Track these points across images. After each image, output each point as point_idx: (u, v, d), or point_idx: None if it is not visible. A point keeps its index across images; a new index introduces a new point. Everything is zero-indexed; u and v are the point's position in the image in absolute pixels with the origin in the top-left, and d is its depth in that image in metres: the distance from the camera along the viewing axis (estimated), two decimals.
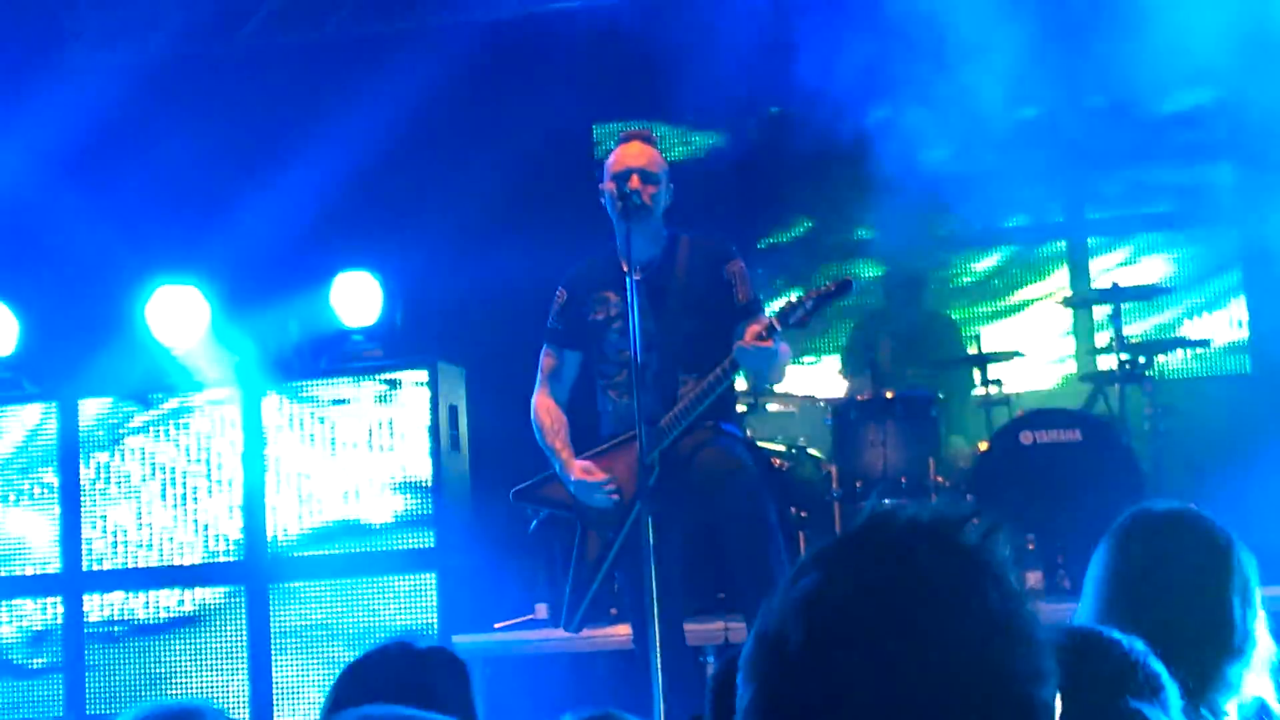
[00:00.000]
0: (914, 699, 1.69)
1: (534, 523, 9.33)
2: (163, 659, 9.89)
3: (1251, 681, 3.45)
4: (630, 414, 7.13)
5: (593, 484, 7.40)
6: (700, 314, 7.42)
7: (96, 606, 10.01)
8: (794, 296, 7.27)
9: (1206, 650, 3.35)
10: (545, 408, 7.64)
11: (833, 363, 11.49)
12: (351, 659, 3.83)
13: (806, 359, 11.39)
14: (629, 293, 7.09)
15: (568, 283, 7.73)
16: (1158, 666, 2.85)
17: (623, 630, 8.50)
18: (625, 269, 7.22)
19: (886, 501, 1.80)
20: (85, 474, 10.05)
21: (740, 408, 9.10)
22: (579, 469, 7.44)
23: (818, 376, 11.52)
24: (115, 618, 9.99)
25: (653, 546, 6.80)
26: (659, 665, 6.76)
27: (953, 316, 11.12)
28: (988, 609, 1.74)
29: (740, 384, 8.63)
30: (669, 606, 7.10)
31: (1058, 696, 1.76)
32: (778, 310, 7.26)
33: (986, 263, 11.74)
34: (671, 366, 7.36)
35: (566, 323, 7.68)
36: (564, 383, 7.73)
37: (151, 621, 9.97)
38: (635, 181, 7.31)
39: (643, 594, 6.85)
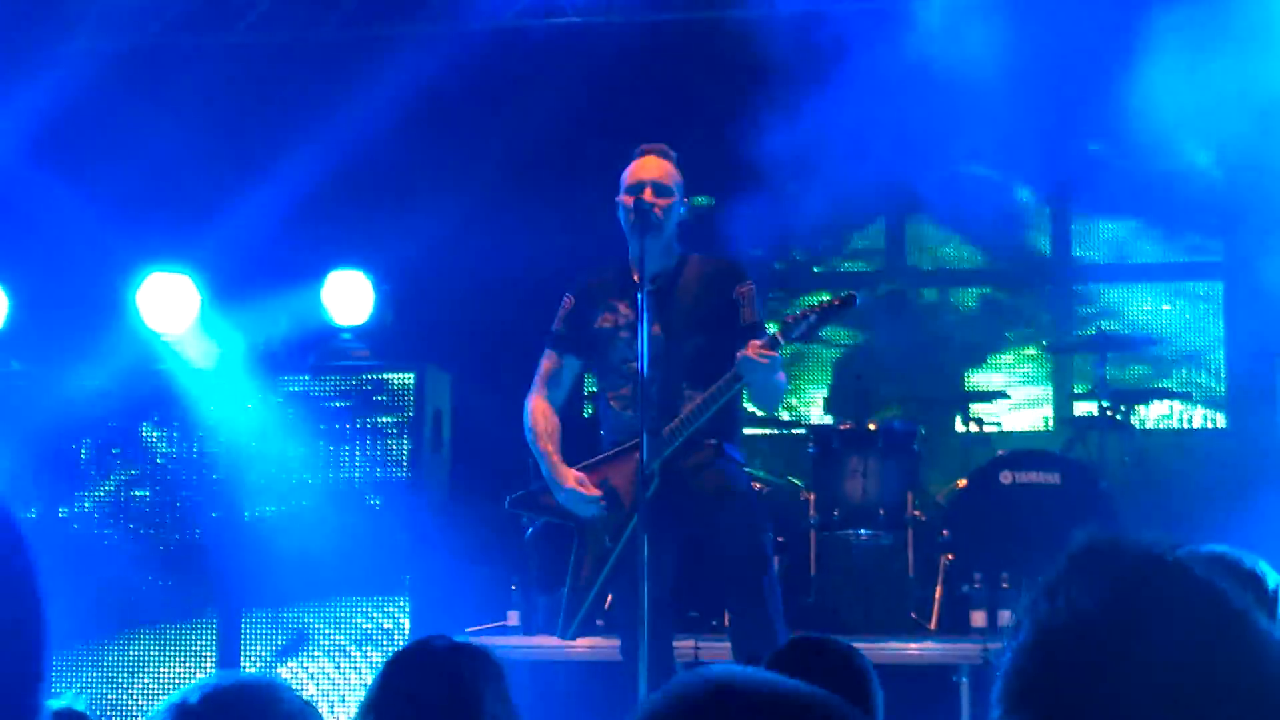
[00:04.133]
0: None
1: (529, 530, 9.37)
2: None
3: None
4: (632, 425, 7.13)
5: (584, 495, 7.36)
6: (706, 330, 7.40)
7: None
8: (798, 311, 7.29)
9: None
10: (540, 410, 7.60)
11: (818, 392, 11.56)
12: (392, 653, 3.88)
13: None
14: (640, 304, 7.07)
15: (576, 290, 7.71)
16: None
17: (594, 642, 8.55)
18: (636, 280, 7.22)
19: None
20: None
21: (746, 431, 9.05)
22: (572, 478, 7.40)
23: (797, 404, 11.56)
24: None
25: (648, 559, 6.80)
26: (646, 678, 6.76)
27: (938, 353, 11.16)
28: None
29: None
30: (661, 621, 7.11)
31: None
32: (781, 324, 7.26)
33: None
34: (676, 380, 7.34)
35: (571, 328, 7.66)
36: (561, 388, 7.70)
37: None
38: (649, 194, 7.31)
39: (635, 607, 6.84)
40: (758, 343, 7.07)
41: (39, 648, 1.79)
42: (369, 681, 3.87)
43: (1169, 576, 1.83)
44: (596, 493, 7.36)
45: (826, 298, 7.27)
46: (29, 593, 1.79)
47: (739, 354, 7.08)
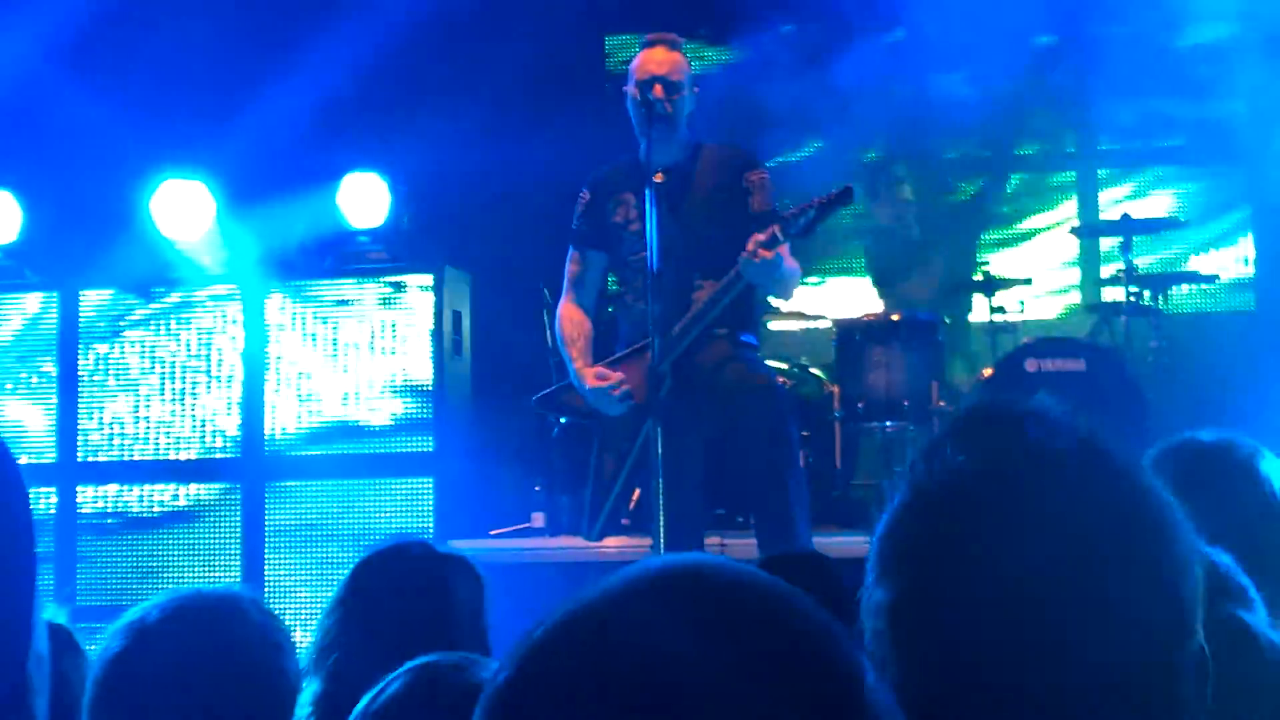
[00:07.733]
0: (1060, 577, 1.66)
1: (555, 430, 9.32)
2: (155, 553, 9.87)
3: None
4: (645, 320, 6.99)
5: (605, 389, 7.26)
6: (718, 221, 7.24)
7: (90, 498, 9.99)
8: (797, 206, 7.14)
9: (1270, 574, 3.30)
10: (568, 315, 7.52)
11: (843, 283, 11.46)
12: (368, 551, 3.79)
13: (810, 279, 11.24)
14: (647, 197, 6.95)
15: (591, 184, 7.57)
16: (1245, 579, 2.81)
17: (623, 541, 8.47)
18: (646, 174, 7.08)
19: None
20: (84, 365, 10.03)
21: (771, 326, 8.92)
22: (591, 375, 7.33)
23: (819, 296, 11.45)
24: (109, 510, 9.97)
25: (666, 457, 6.71)
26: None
27: (962, 242, 11.02)
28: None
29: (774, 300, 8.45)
30: (690, 517, 7.04)
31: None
32: (780, 219, 7.06)
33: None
34: (687, 273, 7.18)
35: (589, 224, 7.53)
36: (589, 287, 7.59)
37: (145, 515, 9.95)
38: (658, 90, 7.16)
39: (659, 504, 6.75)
40: (757, 238, 6.93)
41: (30, 570, 1.72)
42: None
43: (1049, 434, 1.74)
44: (618, 377, 7.26)
45: (825, 192, 7.09)
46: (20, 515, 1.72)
47: (740, 254, 6.96)
